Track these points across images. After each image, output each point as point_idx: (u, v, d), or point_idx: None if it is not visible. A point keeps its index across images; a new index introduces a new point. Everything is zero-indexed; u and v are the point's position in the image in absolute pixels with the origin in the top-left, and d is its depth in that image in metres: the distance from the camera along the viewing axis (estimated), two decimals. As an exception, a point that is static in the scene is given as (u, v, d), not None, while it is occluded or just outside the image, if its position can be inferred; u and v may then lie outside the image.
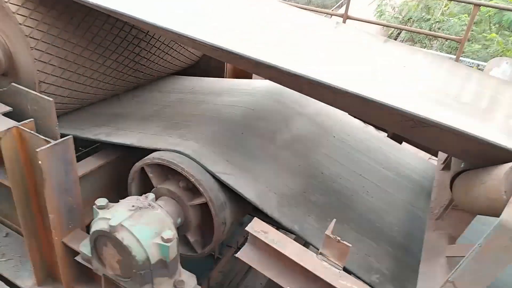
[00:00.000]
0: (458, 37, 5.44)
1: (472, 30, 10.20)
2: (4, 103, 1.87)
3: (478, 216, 1.56)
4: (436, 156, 2.63)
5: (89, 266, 1.69)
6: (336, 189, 1.91)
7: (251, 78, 3.22)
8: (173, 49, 2.70)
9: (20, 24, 1.76)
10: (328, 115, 2.51)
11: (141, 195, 1.73)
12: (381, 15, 12.41)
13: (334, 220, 1.39)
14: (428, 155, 2.97)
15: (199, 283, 1.57)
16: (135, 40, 2.33)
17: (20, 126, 1.69)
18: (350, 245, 1.33)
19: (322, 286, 1.39)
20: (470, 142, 1.18)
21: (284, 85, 1.53)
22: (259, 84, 2.70)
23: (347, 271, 1.42)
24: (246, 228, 1.45)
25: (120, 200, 1.65)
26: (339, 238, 1.34)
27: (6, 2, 1.74)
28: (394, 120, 1.28)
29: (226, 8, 2.06)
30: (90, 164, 2.00)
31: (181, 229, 1.84)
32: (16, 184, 1.77)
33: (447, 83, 1.65)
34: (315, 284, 1.41)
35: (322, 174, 1.96)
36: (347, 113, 2.62)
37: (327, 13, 6.51)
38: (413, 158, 2.50)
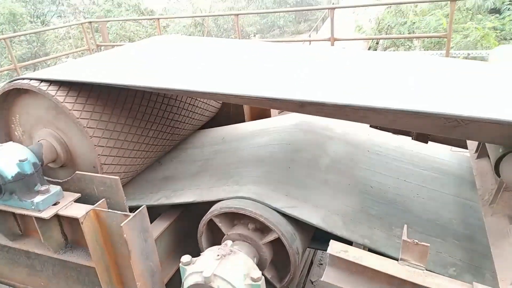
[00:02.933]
0: (444, 33, 5.73)
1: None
2: (69, 191, 2.05)
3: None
4: (456, 147, 2.79)
5: (184, 323, 1.78)
6: (389, 198, 2.04)
7: (269, 117, 3.42)
8: (198, 106, 2.92)
9: (77, 118, 1.96)
10: (356, 133, 2.68)
11: (211, 246, 1.86)
12: (360, 29, 12.94)
13: (406, 225, 1.52)
14: (449, 147, 3.13)
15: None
16: (168, 107, 2.55)
17: (96, 208, 1.85)
18: (428, 244, 1.44)
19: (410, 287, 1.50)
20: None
21: (328, 117, 1.70)
22: (283, 121, 2.89)
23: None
24: (328, 251, 1.57)
25: (201, 253, 1.78)
26: (416, 240, 1.46)
27: (62, 102, 1.95)
28: (436, 124, 1.45)
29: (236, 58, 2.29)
30: (158, 227, 2.15)
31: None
32: (98, 261, 1.91)
33: (462, 79, 1.83)
34: (403, 287, 1.51)
35: (371, 188, 2.10)
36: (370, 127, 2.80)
37: (313, 40, 6.87)
38: (444, 154, 2.64)
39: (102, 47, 7.75)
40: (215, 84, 1.78)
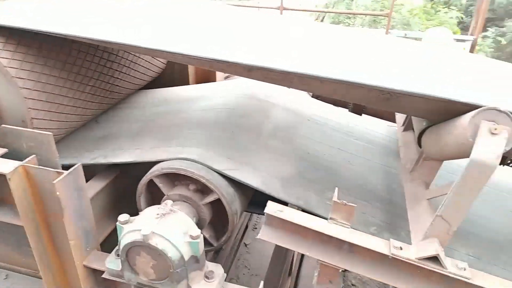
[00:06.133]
0: (386, 12, 5.98)
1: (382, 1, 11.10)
2: (-7, 146, 1.90)
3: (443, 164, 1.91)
4: (390, 121, 3.02)
5: (119, 280, 1.80)
6: (324, 164, 2.17)
7: (215, 81, 3.39)
8: (140, 65, 2.80)
9: (5, 66, 1.80)
10: (298, 102, 2.77)
11: (150, 206, 1.87)
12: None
13: (337, 189, 1.64)
14: (383, 121, 3.37)
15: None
16: (108, 63, 2.42)
17: (26, 164, 1.75)
18: (354, 205, 1.58)
19: (335, 243, 1.64)
20: (437, 103, 1.48)
21: (274, 83, 1.74)
22: (228, 86, 2.88)
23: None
24: (265, 211, 1.66)
25: (140, 213, 1.78)
26: (345, 202, 1.59)
27: (-15, 48, 1.77)
28: (372, 96, 1.55)
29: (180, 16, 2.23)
30: (94, 187, 2.08)
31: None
32: (27, 220, 1.83)
33: (399, 55, 1.97)
34: (330, 243, 1.65)
35: (308, 154, 2.22)
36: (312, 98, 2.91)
37: (264, 7, 6.83)
38: (376, 126, 2.84)
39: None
40: (162, 41, 1.72)
